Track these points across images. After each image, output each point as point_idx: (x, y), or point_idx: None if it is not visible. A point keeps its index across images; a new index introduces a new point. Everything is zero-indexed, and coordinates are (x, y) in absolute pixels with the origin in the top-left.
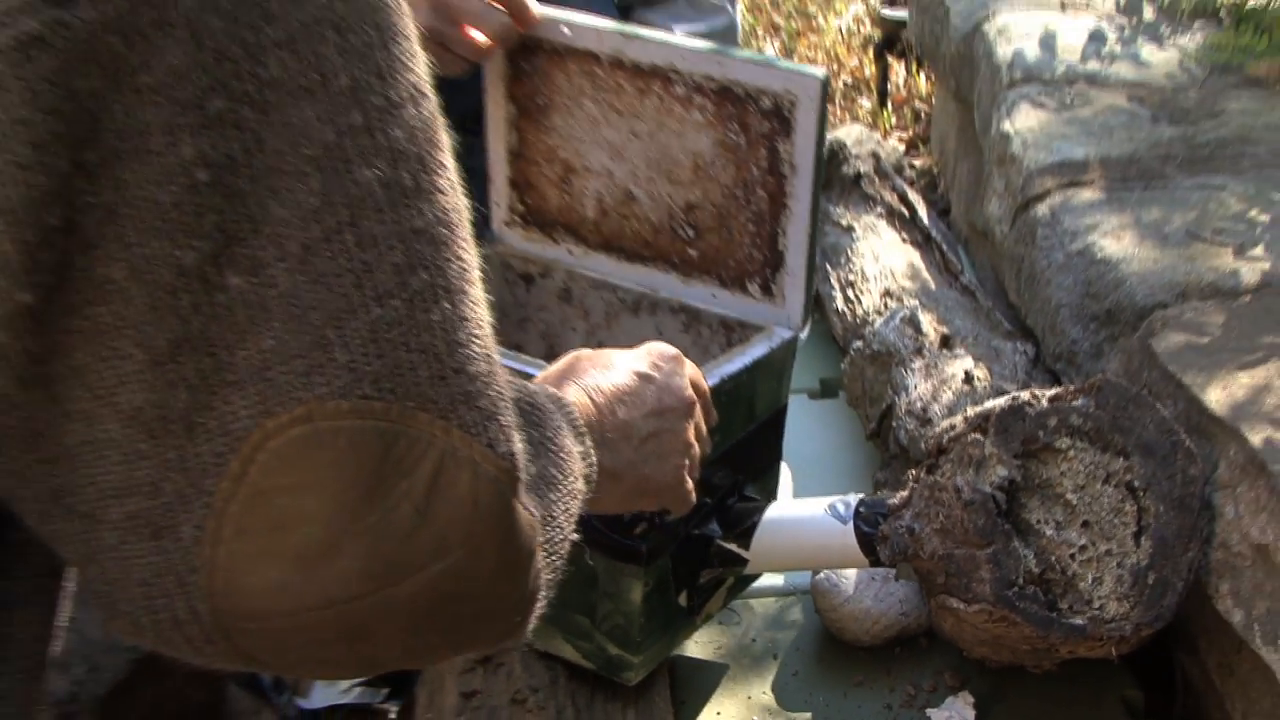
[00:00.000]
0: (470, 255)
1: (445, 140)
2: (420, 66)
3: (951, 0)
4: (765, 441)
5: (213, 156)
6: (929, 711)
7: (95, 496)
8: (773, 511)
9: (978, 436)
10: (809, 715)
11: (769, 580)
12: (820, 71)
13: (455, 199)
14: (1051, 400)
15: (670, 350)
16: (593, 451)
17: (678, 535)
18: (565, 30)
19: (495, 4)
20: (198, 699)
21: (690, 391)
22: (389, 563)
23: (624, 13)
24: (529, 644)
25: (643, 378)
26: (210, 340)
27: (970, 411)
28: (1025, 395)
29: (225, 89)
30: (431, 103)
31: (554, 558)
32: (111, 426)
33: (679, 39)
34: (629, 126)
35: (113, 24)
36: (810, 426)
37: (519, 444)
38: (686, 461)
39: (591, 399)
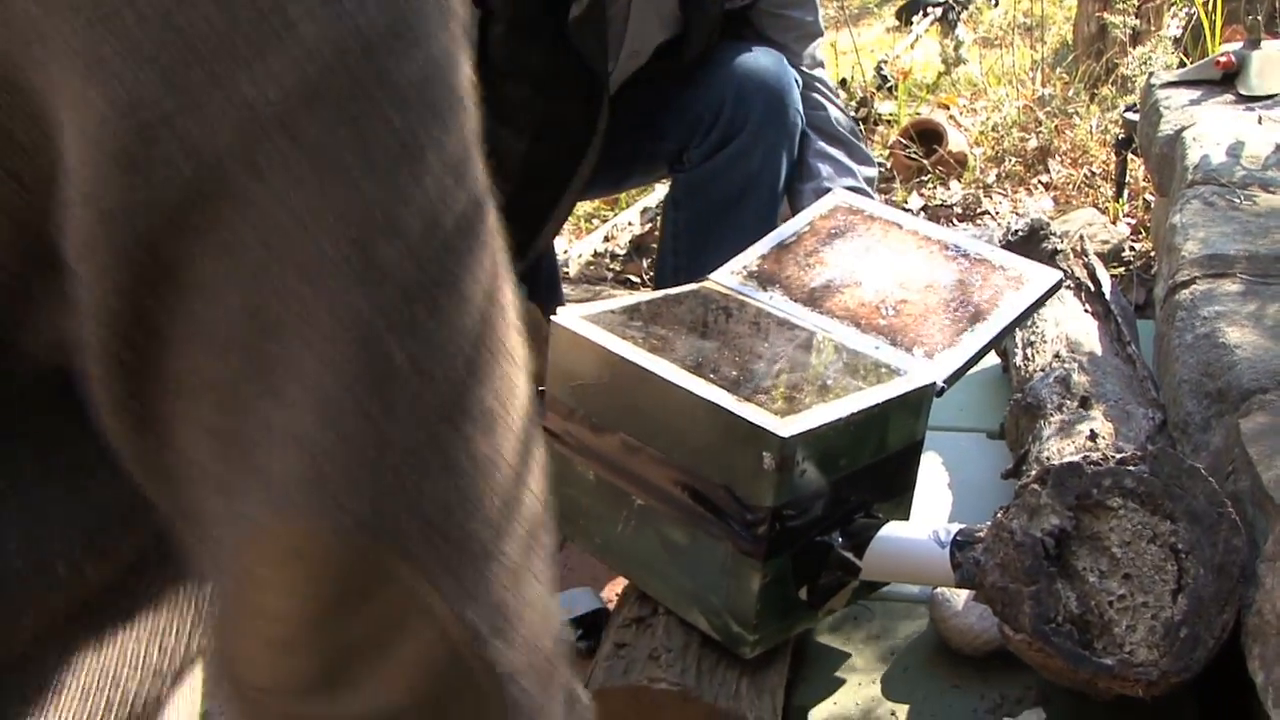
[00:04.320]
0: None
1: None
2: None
3: (1165, 108)
4: (898, 470)
5: (263, 318)
6: (1004, 719)
7: (189, 508)
8: (886, 530)
9: (1036, 487)
10: (907, 707)
11: (899, 588)
12: (1059, 274)
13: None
14: (1118, 463)
15: None
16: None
17: (799, 540)
18: (898, 214)
19: None
20: None
21: None
22: (335, 677)
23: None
24: (675, 612)
25: None
26: (241, 442)
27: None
28: (1095, 456)
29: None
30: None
31: None
32: (190, 468)
33: (966, 235)
34: (894, 259)
35: (190, 201)
36: (982, 461)
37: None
38: None
39: None
